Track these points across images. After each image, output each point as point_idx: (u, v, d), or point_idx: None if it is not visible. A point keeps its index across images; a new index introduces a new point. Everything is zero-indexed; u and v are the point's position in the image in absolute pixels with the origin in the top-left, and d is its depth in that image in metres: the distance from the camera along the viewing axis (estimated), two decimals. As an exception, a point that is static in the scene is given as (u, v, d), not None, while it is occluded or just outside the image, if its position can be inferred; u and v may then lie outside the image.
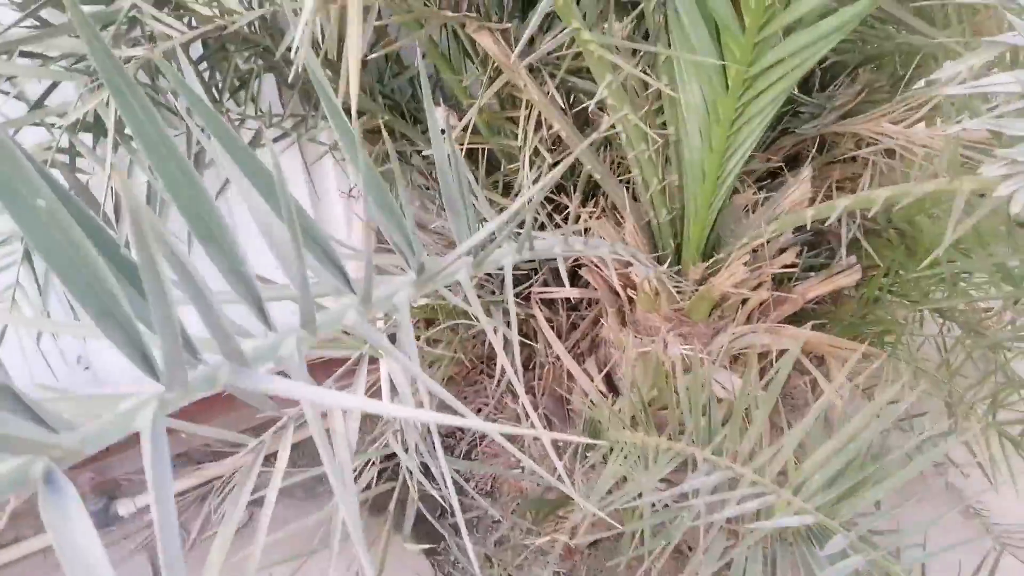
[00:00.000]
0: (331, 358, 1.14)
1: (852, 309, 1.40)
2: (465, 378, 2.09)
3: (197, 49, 1.34)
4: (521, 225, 0.72)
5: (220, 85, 1.34)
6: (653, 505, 1.02)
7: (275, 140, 1.46)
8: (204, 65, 1.32)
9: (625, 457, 1.15)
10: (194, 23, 1.18)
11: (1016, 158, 0.62)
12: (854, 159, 1.30)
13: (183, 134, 1.36)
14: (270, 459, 0.80)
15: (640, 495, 1.10)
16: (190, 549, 2.01)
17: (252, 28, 1.28)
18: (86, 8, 1.19)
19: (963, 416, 1.19)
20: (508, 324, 1.56)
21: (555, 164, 1.51)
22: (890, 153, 1.18)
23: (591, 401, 1.34)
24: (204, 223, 0.43)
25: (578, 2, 1.07)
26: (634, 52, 1.09)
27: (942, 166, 0.79)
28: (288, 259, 0.47)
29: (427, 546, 1.34)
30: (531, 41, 1.27)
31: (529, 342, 1.78)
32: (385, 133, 0.73)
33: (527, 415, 1.74)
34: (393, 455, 1.43)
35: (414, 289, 0.60)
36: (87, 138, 1.21)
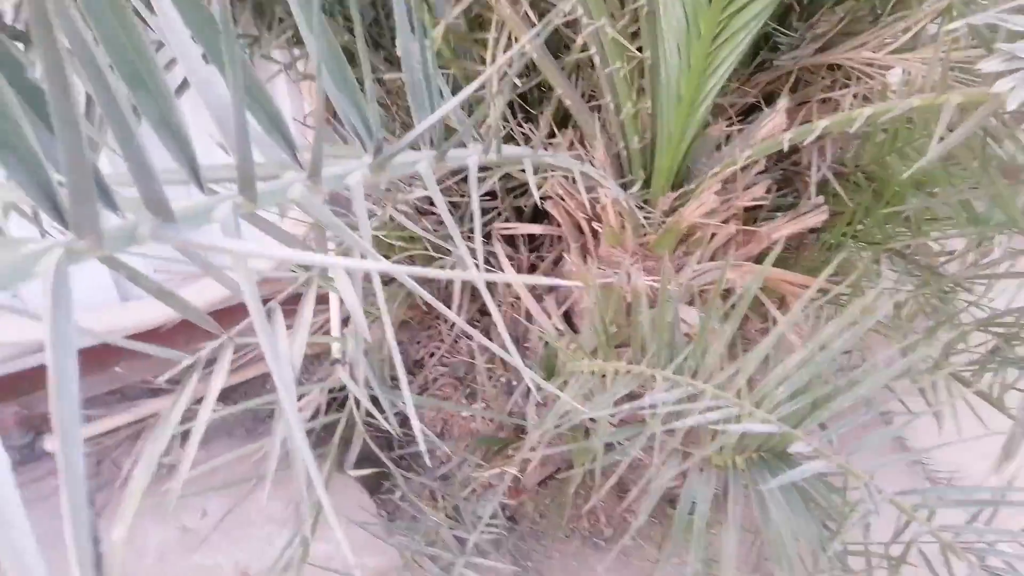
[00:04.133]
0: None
1: (813, 255, 1.40)
2: (420, 322, 2.05)
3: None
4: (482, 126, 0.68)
5: None
6: (609, 422, 1.00)
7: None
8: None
9: (583, 384, 1.12)
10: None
11: (1016, 53, 0.60)
12: (826, 101, 1.29)
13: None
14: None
15: (595, 419, 1.08)
16: (122, 486, 1.94)
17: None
18: None
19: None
20: (471, 249, 1.52)
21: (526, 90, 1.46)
22: (865, 98, 1.17)
23: (549, 334, 1.32)
24: (129, 62, 0.36)
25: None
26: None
27: (929, 82, 0.77)
28: (226, 119, 0.41)
29: (370, 471, 1.31)
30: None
31: (488, 282, 1.74)
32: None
33: (481, 351, 1.71)
34: (339, 388, 1.38)
35: (370, 172, 0.54)
36: None
